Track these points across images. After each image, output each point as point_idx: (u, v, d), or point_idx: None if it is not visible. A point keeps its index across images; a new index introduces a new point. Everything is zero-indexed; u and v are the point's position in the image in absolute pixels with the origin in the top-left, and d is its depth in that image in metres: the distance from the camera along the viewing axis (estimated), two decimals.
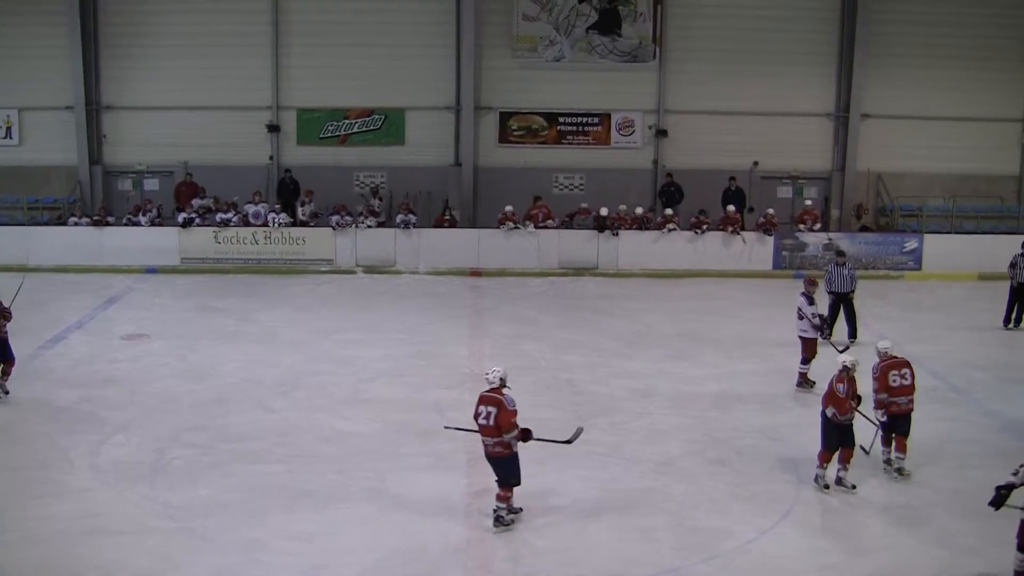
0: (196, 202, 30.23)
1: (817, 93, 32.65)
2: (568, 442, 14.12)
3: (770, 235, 29.92)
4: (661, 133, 32.18)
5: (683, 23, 32.02)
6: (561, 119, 32.35)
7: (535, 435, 13.43)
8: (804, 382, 19.30)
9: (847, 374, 14.64)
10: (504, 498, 13.37)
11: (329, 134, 32.16)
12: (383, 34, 31.48)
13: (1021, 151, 33.62)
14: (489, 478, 13.71)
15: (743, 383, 19.67)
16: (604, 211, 29.81)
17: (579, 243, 29.78)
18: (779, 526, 13.75)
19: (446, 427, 14.84)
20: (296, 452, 15.82)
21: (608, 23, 31.84)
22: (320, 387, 18.98)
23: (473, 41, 31.20)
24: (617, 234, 29.70)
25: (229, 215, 29.71)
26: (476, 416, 13.38)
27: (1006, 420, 18.17)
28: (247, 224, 29.71)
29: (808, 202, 31.27)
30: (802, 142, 32.64)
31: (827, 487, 14.71)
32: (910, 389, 15.31)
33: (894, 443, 15.37)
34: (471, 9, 30.95)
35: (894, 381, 15.20)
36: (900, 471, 15.24)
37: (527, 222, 29.87)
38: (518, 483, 13.41)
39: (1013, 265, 24.74)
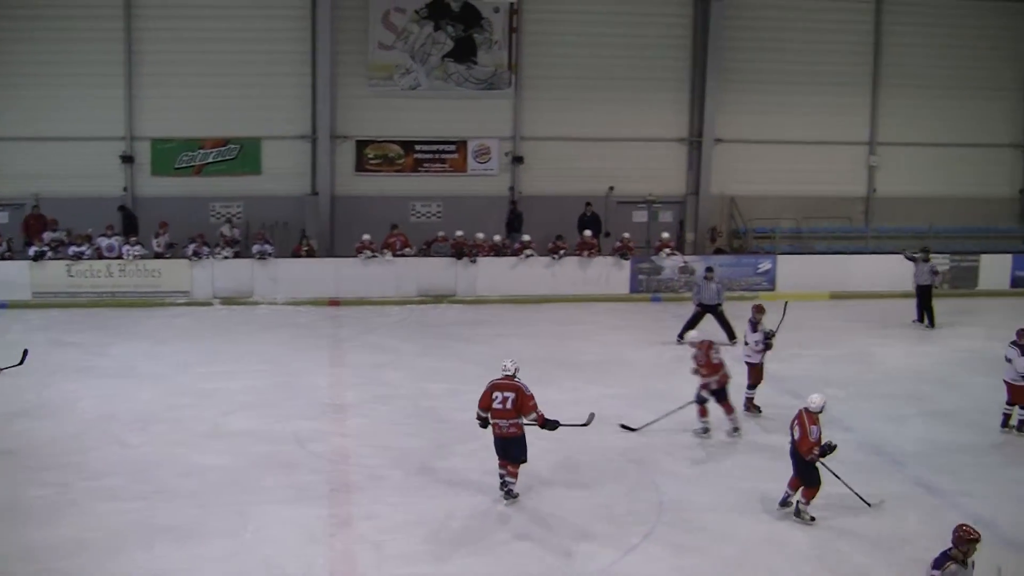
0: (48, 235, 29.55)
1: (671, 119, 33.20)
2: (585, 424, 15.78)
3: (627, 259, 30.27)
4: (517, 160, 32.40)
5: (538, 51, 32.33)
6: (418, 147, 32.38)
7: (562, 423, 15.39)
8: (751, 407, 19.53)
9: (817, 416, 14.65)
10: (514, 474, 15.18)
11: (184, 164, 31.75)
12: (238, 63, 31.17)
13: (868, 173, 34.56)
14: (351, 507, 14.17)
15: (604, 406, 19.76)
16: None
17: (437, 270, 29.80)
18: (643, 546, 13.88)
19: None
20: (155, 488, 15.52)
21: (464, 51, 32.01)
22: (179, 421, 18.67)
23: (329, 70, 31.06)
24: (475, 261, 29.78)
25: (82, 248, 29.10)
26: (490, 402, 15.06)
27: (863, 436, 18.60)
28: (101, 257, 29.14)
29: (665, 234, 31.63)
30: (657, 167, 33.14)
31: (813, 518, 14.77)
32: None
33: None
34: (327, 38, 30.81)
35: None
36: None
37: (385, 250, 29.80)
38: (526, 460, 15.21)
39: (920, 258, 27.33)
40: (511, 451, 15.11)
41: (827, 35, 33.70)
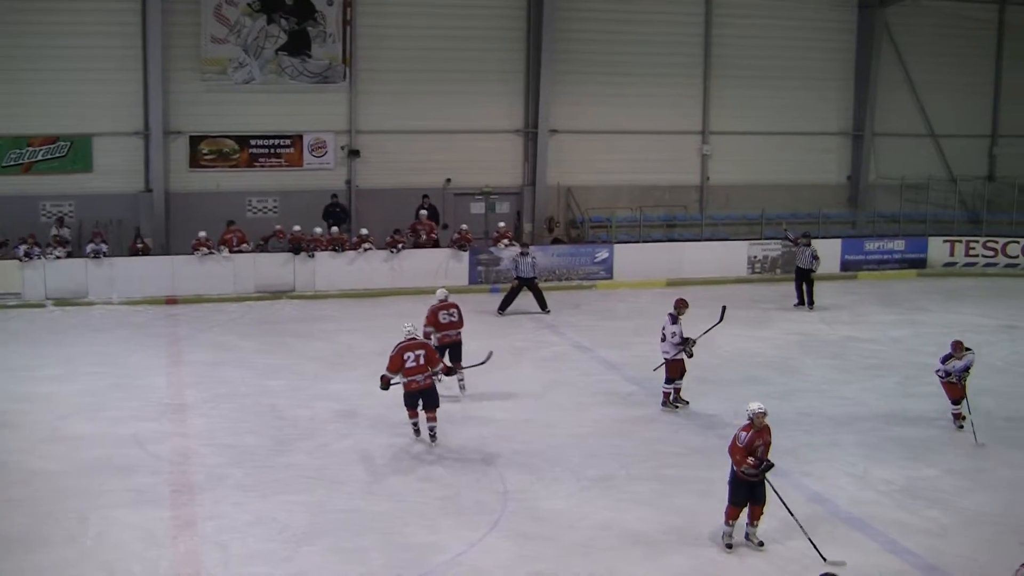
0: None
1: (506, 110, 33.38)
2: (483, 363, 18.58)
3: (465, 251, 30.39)
4: (354, 153, 32.27)
5: (373, 44, 32.20)
6: (253, 142, 32.03)
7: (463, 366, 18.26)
8: (667, 402, 19.58)
9: (756, 422, 13.59)
10: (434, 418, 17.40)
11: (12, 163, 30.87)
12: (66, 59, 30.31)
13: (701, 161, 35.20)
14: (195, 508, 14.17)
15: (444, 398, 19.88)
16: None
17: (275, 266, 29.55)
18: (489, 536, 13.98)
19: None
20: None
21: (297, 44, 31.75)
22: (14, 427, 18.19)
23: (160, 64, 30.46)
24: (313, 256, 29.62)
25: None
26: (402, 363, 17.04)
27: (705, 421, 19.00)
28: None
29: (501, 224, 31.81)
30: (493, 158, 33.30)
31: (730, 546, 13.64)
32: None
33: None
34: (157, 31, 30.18)
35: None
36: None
37: (221, 247, 29.46)
38: (439, 405, 17.44)
39: (801, 243, 28.29)
40: (432, 399, 17.39)
41: (659, 26, 34.24)
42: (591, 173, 33.69)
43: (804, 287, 28.43)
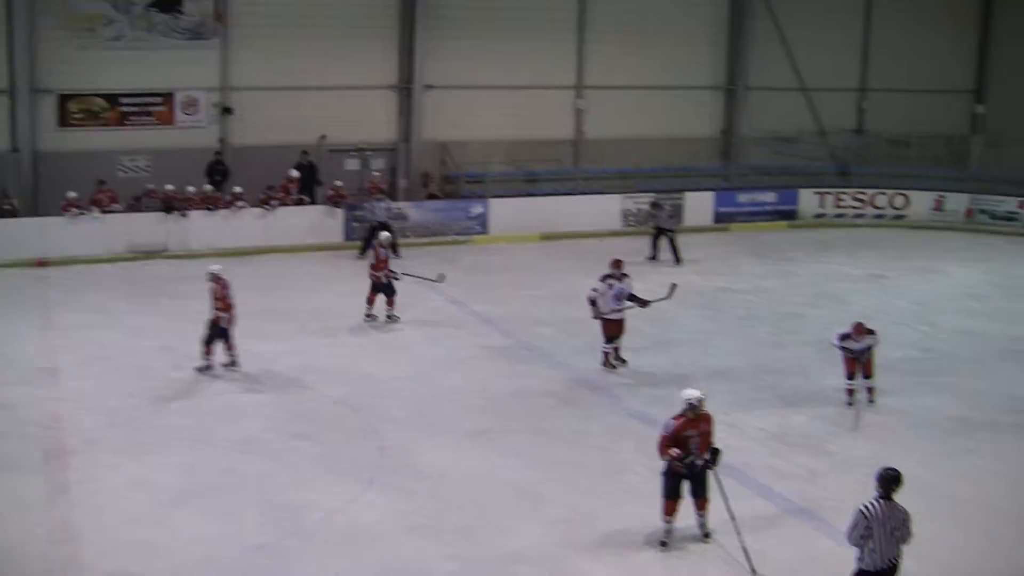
0: None
1: (381, 66, 33.11)
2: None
3: (339, 208, 30.22)
4: (227, 111, 31.83)
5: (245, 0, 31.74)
6: (123, 100, 31.36)
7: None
8: (607, 361, 19.45)
9: (692, 411, 12.62)
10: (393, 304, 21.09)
11: None
12: None
13: (576, 116, 35.32)
14: (68, 473, 14.20)
15: (320, 356, 19.88)
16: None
17: (148, 226, 29.04)
18: (365, 493, 14.06)
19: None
20: None
21: (168, 0, 31.19)
22: None
23: (27, 19, 29.65)
24: (186, 215, 29.23)
25: None
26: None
27: (574, 372, 19.22)
28: None
29: (375, 174, 31.68)
30: (368, 115, 33.03)
31: (664, 543, 12.69)
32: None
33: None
34: None
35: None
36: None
37: (92, 207, 28.93)
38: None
39: (655, 207, 28.37)
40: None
41: None
42: (466, 128, 33.58)
43: (661, 243, 28.65)
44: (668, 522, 12.68)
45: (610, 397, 18.11)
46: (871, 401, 17.60)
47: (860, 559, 10.48)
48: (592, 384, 18.72)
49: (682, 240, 30.06)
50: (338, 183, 30.73)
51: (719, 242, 32.04)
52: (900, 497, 10.36)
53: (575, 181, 34.03)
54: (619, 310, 19.14)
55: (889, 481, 10.45)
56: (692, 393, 12.65)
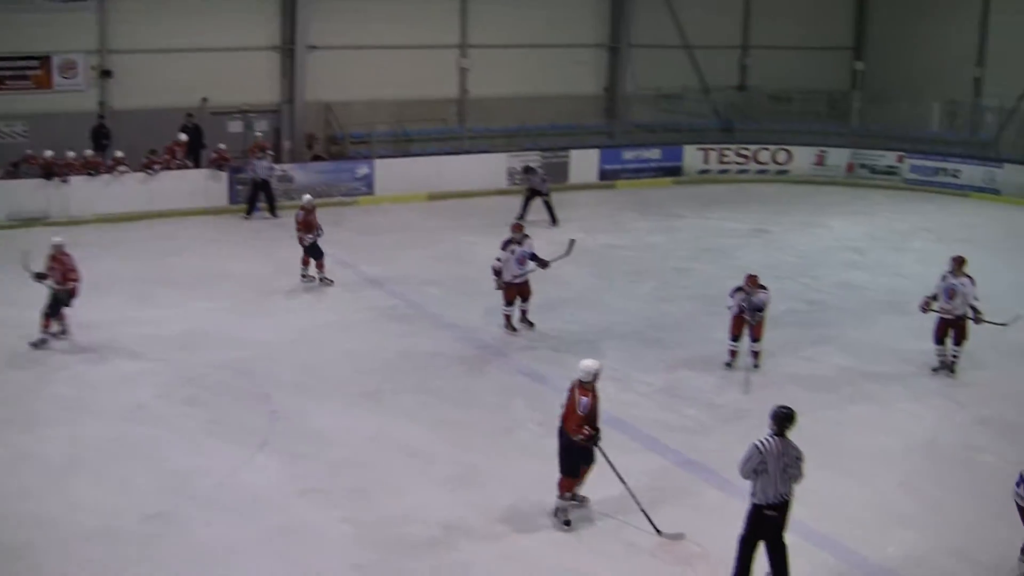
0: None
1: (263, 26, 32.65)
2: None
3: (223, 171, 29.86)
4: (106, 74, 31.21)
5: None
6: None
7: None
8: (508, 324, 19.29)
9: (590, 386, 12.24)
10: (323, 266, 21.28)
11: None
12: None
13: (460, 75, 35.22)
14: None
15: (207, 320, 19.69)
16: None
17: (27, 193, 28.42)
18: (257, 457, 14.00)
19: None
20: None
21: None
22: None
23: None
24: (67, 181, 28.65)
25: None
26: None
27: (463, 332, 19.28)
28: None
29: (258, 134, 31.36)
30: (250, 76, 32.59)
31: (567, 523, 12.35)
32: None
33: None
34: None
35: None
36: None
37: None
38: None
39: (528, 170, 28.58)
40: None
41: None
42: (350, 89, 33.30)
43: (533, 205, 28.46)
44: (567, 499, 12.41)
45: (499, 356, 18.20)
46: (756, 366, 17.39)
47: (753, 494, 10.79)
48: (481, 343, 18.80)
49: (568, 198, 30.31)
50: (222, 146, 30.34)
51: (605, 199, 32.24)
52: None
53: (460, 140, 33.99)
54: (522, 274, 19.05)
55: (782, 419, 10.81)
56: (593, 364, 12.21)
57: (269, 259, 23.91)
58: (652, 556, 11.79)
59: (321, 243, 21.86)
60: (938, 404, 16.53)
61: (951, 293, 17.18)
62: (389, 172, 31.43)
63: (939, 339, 17.50)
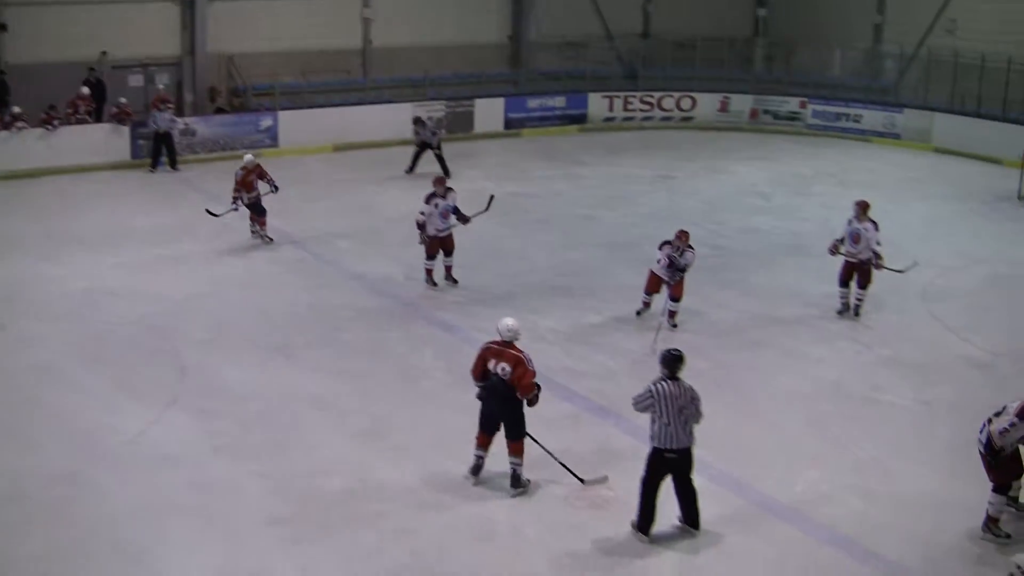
0: None
1: None
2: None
3: (125, 125, 29.41)
4: (1, 27, 30.57)
5: None
6: None
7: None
8: (429, 279, 19.08)
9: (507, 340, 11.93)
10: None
11: None
12: None
13: (363, 25, 34.91)
14: None
15: (113, 277, 19.46)
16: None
17: None
18: (168, 414, 13.93)
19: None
20: None
21: None
22: None
23: None
24: None
25: None
26: None
27: (371, 283, 19.27)
28: None
29: (160, 87, 30.93)
30: (150, 29, 32.05)
31: (476, 471, 12.24)
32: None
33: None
34: None
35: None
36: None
37: None
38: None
39: (418, 123, 28.14)
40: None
41: None
42: (252, 40, 32.85)
43: (424, 157, 27.89)
44: (482, 452, 12.20)
45: (408, 306, 18.23)
46: (673, 325, 17.06)
47: (652, 437, 11.00)
48: (390, 294, 18.81)
49: (474, 147, 30.40)
50: (123, 100, 29.85)
51: (510, 148, 32.22)
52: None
53: (364, 91, 33.76)
54: (446, 228, 18.93)
55: (672, 361, 11.02)
56: (515, 323, 11.99)
57: (174, 213, 23.67)
58: (566, 502, 11.94)
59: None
60: (843, 346, 16.86)
61: (856, 237, 17.49)
62: (293, 124, 31.13)
63: (843, 282, 17.84)
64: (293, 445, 13.16)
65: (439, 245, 18.98)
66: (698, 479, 11.31)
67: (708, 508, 11.53)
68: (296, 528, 11.34)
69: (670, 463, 11.02)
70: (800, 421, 14.18)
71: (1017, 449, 11.06)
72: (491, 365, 11.82)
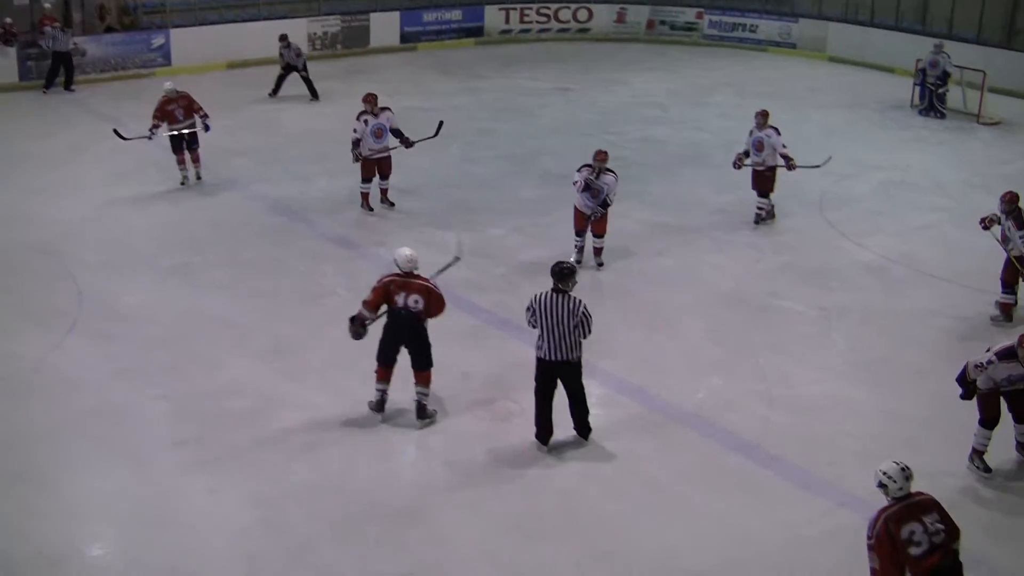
0: None
1: None
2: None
3: (11, 46, 28.67)
4: None
5: None
6: None
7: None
8: (365, 204, 18.53)
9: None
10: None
11: None
12: None
13: None
14: None
15: (4, 202, 19.02)
16: None
17: None
18: (68, 339, 13.80)
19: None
20: None
21: None
22: None
23: None
24: None
25: None
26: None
27: (270, 200, 19.14)
28: None
29: (47, 6, 30.16)
30: None
31: (379, 406, 12.02)
32: None
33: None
34: None
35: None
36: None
37: None
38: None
39: (284, 44, 27.13)
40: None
41: None
42: None
43: (288, 80, 27.42)
44: (382, 386, 12.02)
45: (307, 223, 18.12)
46: (599, 264, 16.32)
47: (538, 347, 11.13)
48: (288, 210, 18.69)
49: (369, 62, 30.17)
50: (8, 20, 29.07)
51: (407, 62, 31.94)
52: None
53: (258, 7, 33.17)
54: (380, 148, 18.25)
55: (561, 274, 11.12)
56: (409, 253, 11.78)
57: (68, 136, 23.20)
58: (470, 414, 12.04)
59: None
60: (741, 254, 17.06)
61: (759, 146, 17.71)
62: (186, 42, 30.55)
63: (756, 189, 18.20)
64: (196, 367, 13.10)
65: (373, 167, 18.41)
66: (601, 389, 11.46)
67: (611, 417, 11.70)
68: (201, 450, 11.32)
69: (554, 372, 11.13)
70: (701, 329, 14.38)
71: (997, 396, 11.05)
72: (399, 299, 11.57)
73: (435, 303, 11.62)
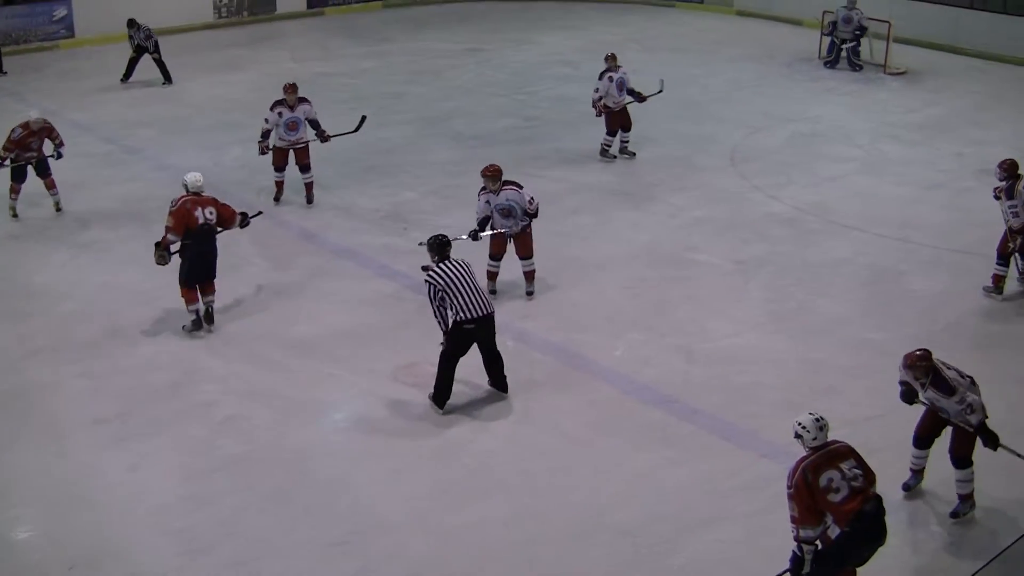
0: None
1: None
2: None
3: None
4: None
5: None
6: None
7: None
8: (279, 193, 17.58)
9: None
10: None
11: None
12: None
13: None
14: None
15: None
16: None
17: None
18: None
19: None
20: None
21: None
22: None
23: None
24: None
25: None
26: None
27: (179, 171, 18.79)
28: None
29: None
30: None
31: (196, 326, 13.12)
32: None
33: None
34: None
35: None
36: None
37: None
38: None
39: (133, 28, 25.89)
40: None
41: None
42: None
43: (142, 63, 26.97)
44: (194, 306, 13.16)
45: (218, 193, 17.63)
46: (530, 293, 14.18)
47: (457, 315, 11.17)
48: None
49: (276, 28, 29.98)
50: None
51: (314, 27, 31.68)
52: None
53: None
54: (293, 140, 17.15)
55: (442, 247, 11.47)
56: (198, 175, 13.46)
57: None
58: (391, 379, 12.06)
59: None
60: (656, 209, 17.21)
61: (621, 85, 18.81)
62: (89, 12, 29.97)
63: (613, 132, 19.38)
64: (114, 342, 12.97)
65: (286, 155, 17.23)
66: (519, 346, 11.50)
67: (530, 374, 11.82)
68: (123, 426, 11.24)
69: (472, 334, 11.24)
70: (618, 285, 14.49)
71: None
72: (198, 214, 12.84)
73: (227, 207, 13.25)
